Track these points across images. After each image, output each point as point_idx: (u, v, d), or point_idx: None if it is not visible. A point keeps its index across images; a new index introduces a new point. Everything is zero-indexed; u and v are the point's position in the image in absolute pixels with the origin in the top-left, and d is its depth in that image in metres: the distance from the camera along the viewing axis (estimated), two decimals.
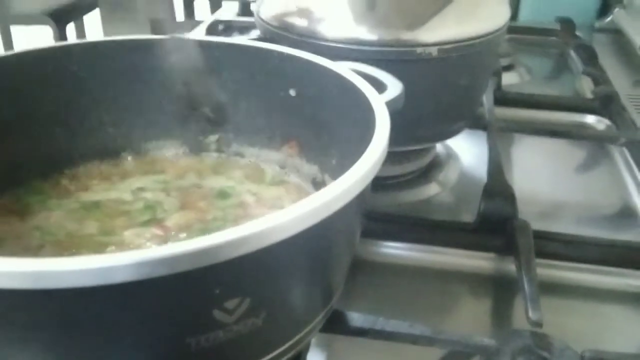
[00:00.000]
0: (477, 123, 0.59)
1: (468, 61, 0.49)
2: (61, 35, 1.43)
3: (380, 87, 0.36)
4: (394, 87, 0.36)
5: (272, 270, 0.25)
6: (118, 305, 0.22)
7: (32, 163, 0.40)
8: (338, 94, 0.37)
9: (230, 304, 0.24)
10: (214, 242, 0.22)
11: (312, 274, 0.28)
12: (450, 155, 0.60)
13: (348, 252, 0.31)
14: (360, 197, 0.27)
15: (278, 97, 0.41)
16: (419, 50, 0.46)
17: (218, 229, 0.36)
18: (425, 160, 0.56)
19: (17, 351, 0.23)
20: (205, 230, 0.37)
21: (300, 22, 0.48)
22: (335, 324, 0.34)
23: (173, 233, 0.37)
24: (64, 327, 0.22)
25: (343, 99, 0.37)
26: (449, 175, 0.57)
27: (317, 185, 0.41)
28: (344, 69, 0.37)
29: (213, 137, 0.44)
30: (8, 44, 1.66)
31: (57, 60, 0.40)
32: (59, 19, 1.42)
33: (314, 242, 0.26)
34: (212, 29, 0.79)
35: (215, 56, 0.42)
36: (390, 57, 0.46)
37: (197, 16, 1.67)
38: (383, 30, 0.47)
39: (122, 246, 0.35)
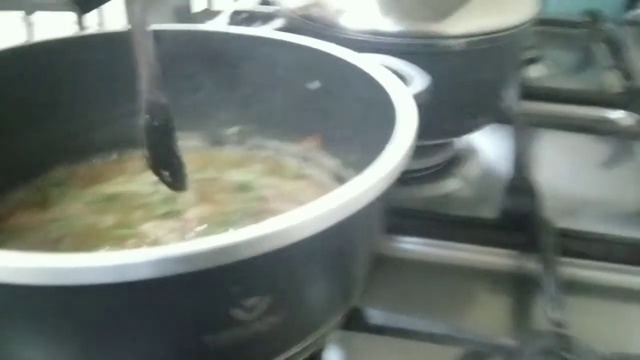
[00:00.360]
0: (502, 117, 0.58)
1: (495, 54, 0.49)
2: (83, 22, 1.43)
3: (406, 80, 0.35)
4: (421, 80, 0.35)
5: (292, 268, 0.24)
6: (137, 302, 0.22)
7: (51, 154, 0.40)
8: (362, 87, 0.36)
9: (249, 302, 0.23)
10: (235, 240, 0.21)
11: (333, 272, 0.27)
12: (472, 150, 0.59)
13: (370, 249, 0.30)
14: (386, 195, 0.26)
15: (300, 90, 0.41)
16: (446, 42, 0.45)
17: (238, 222, 0.37)
18: (447, 154, 0.55)
19: (34, 346, 0.23)
20: (224, 224, 0.37)
21: (324, 13, 0.48)
22: (354, 321, 0.34)
23: (192, 226, 0.36)
24: (82, 324, 0.22)
25: (367, 92, 0.36)
26: (471, 170, 0.56)
27: (339, 180, 0.40)
28: (369, 61, 0.36)
29: (234, 130, 0.44)
30: (30, 31, 1.67)
31: (79, 49, 0.40)
32: (82, 5, 1.43)
33: (336, 240, 0.25)
34: (233, 18, 0.79)
35: (236, 47, 0.42)
36: (415, 50, 0.45)
37: (219, 5, 1.67)
38: (409, 22, 0.46)
39: (141, 239, 0.35)
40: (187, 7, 1.03)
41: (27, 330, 0.23)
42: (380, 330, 0.35)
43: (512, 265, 0.45)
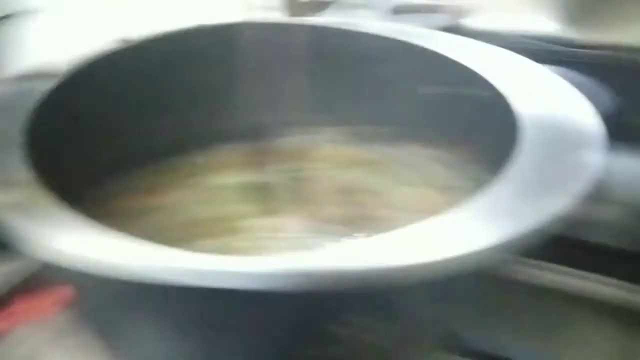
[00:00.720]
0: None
1: None
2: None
3: (589, 97, 0.31)
4: (606, 100, 0.32)
5: (405, 301, 0.23)
6: (243, 310, 0.22)
7: (167, 142, 0.40)
8: (527, 101, 0.32)
9: (351, 323, 0.22)
10: (350, 268, 0.20)
11: (447, 310, 0.26)
12: (606, 170, 0.53)
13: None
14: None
15: (453, 95, 0.37)
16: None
17: (340, 228, 0.36)
18: None
19: (140, 339, 0.24)
20: (343, 227, 0.35)
21: (493, 15, 0.44)
22: (451, 343, 0.32)
23: (310, 225, 0.36)
24: (191, 323, 0.23)
25: (533, 108, 0.31)
26: (602, 191, 0.51)
27: (474, 189, 0.37)
28: (546, 72, 0.33)
29: (368, 129, 0.41)
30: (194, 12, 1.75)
31: (195, 41, 0.40)
32: None
33: (463, 283, 0.23)
34: (393, 10, 0.76)
35: (385, 46, 0.40)
36: (600, 62, 0.41)
37: None
38: (593, 33, 0.42)
39: (240, 234, 0.35)
40: None
41: (135, 322, 0.24)
42: (473, 355, 0.33)
43: (631, 300, 0.41)
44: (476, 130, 0.37)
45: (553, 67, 0.35)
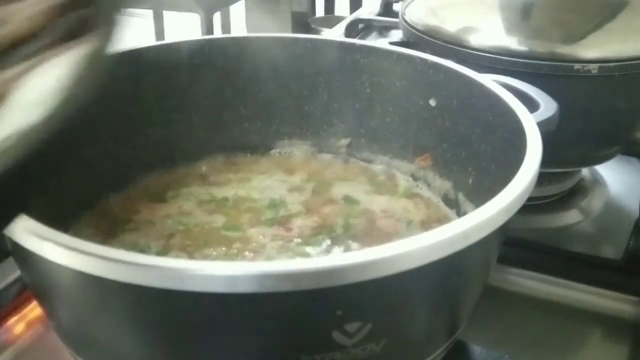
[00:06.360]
0: (633, 149, 0.54)
1: (631, 82, 0.45)
2: (208, 23, 1.49)
3: (531, 105, 0.34)
4: (548, 106, 0.33)
5: (398, 297, 0.23)
6: (238, 314, 0.22)
7: (171, 151, 0.41)
8: (483, 109, 0.35)
9: (350, 327, 0.23)
10: (342, 262, 0.21)
11: (439, 304, 0.26)
12: (597, 181, 0.55)
13: (480, 283, 0.29)
14: (502, 229, 0.24)
15: (416, 106, 0.40)
16: (576, 66, 0.42)
17: (341, 236, 0.36)
18: (568, 184, 0.52)
19: (131, 344, 0.24)
20: (328, 236, 0.36)
21: (447, 28, 0.46)
22: (456, 357, 0.32)
23: (296, 235, 0.36)
24: (181, 327, 0.23)
25: (488, 114, 0.35)
26: (594, 203, 0.52)
27: (449, 202, 0.39)
28: (493, 82, 0.35)
29: (344, 141, 0.44)
30: (160, 30, 1.77)
31: (205, 52, 0.41)
32: (207, 7, 1.49)
33: (446, 272, 0.24)
34: (351, 28, 0.79)
35: (355, 59, 0.41)
36: (542, 71, 0.43)
37: (337, 12, 1.69)
38: (537, 42, 0.44)
39: (246, 243, 0.35)
40: (305, 13, 1.05)
41: (123, 325, 0.24)
42: None
43: (632, 313, 0.41)
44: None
45: (499, 76, 0.36)
